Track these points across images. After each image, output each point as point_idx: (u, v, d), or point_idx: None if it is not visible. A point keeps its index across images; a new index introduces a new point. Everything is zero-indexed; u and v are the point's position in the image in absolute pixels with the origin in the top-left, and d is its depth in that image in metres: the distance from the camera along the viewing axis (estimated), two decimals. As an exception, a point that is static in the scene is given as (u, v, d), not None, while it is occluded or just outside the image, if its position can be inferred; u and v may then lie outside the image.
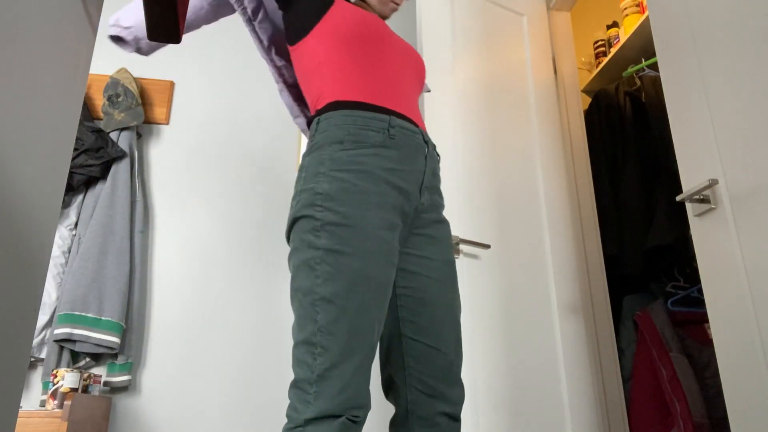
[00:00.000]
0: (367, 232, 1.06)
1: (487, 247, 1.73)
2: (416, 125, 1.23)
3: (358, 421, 1.02)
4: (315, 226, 1.07)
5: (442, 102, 1.86)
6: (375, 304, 1.05)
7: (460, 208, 1.77)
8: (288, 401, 1.51)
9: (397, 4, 1.39)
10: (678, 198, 1.42)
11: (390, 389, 1.18)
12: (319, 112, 1.21)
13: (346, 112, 1.16)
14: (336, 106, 1.19)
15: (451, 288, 1.20)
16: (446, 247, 1.22)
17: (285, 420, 2.10)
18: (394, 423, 1.16)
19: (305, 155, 1.18)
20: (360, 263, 1.04)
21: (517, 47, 2.14)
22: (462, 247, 1.73)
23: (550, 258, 1.87)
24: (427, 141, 1.24)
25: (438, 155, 1.28)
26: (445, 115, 1.85)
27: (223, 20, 2.63)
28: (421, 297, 1.16)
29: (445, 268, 1.19)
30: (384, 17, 1.40)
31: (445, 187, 1.75)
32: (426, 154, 1.21)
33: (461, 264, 1.72)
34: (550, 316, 1.79)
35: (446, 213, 1.69)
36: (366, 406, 1.03)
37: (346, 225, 1.06)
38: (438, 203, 1.25)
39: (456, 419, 1.13)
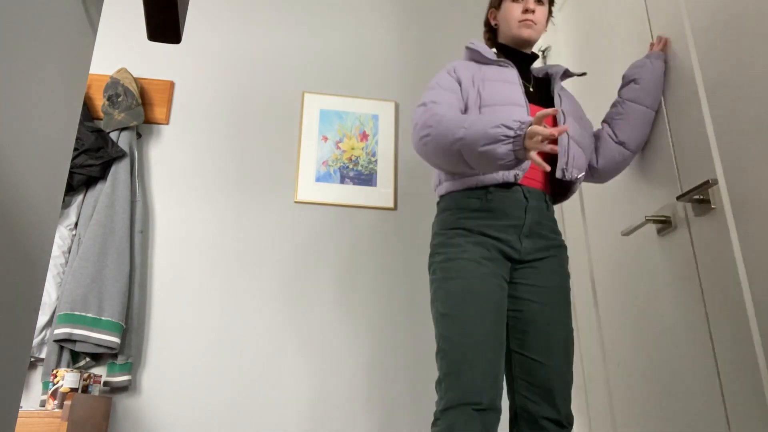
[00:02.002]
0: (464, 264, 1.37)
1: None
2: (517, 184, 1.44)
3: (482, 409, 1.24)
4: (433, 267, 1.43)
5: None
6: (479, 311, 1.31)
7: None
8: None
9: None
10: (678, 198, 1.42)
11: (508, 393, 1.42)
12: None
13: None
14: None
15: (557, 309, 1.39)
16: (552, 275, 1.42)
17: (283, 420, 2.11)
18: (511, 422, 1.40)
19: None
20: (462, 283, 1.34)
21: None
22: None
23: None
24: (527, 196, 1.43)
25: (548, 204, 1.47)
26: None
27: (222, 20, 2.63)
28: (526, 318, 1.39)
29: (550, 293, 1.40)
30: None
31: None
32: (526, 207, 1.42)
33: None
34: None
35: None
36: (485, 396, 1.25)
37: (449, 259, 1.39)
38: (542, 245, 1.43)
39: (561, 425, 1.32)
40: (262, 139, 2.47)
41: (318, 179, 2.43)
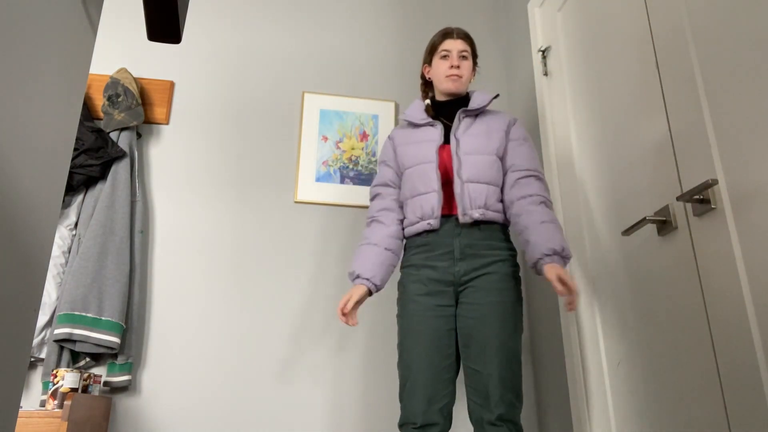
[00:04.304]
0: (405, 303, 1.68)
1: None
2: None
3: (418, 427, 1.53)
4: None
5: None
6: (415, 346, 1.60)
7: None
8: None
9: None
10: (678, 198, 1.42)
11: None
12: None
13: None
14: None
15: (491, 321, 1.57)
16: (489, 292, 1.60)
17: (282, 419, 2.11)
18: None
19: None
20: (403, 321, 1.67)
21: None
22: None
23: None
24: (458, 225, 1.67)
25: (481, 231, 1.67)
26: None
27: (222, 20, 2.63)
28: (467, 333, 1.59)
29: (486, 308, 1.59)
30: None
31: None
32: (457, 235, 1.67)
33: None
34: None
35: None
36: (419, 417, 1.53)
37: (399, 299, 1.72)
38: (478, 264, 1.64)
39: (493, 424, 1.50)
40: (262, 139, 2.47)
41: (318, 179, 2.43)
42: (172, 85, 2.47)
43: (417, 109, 1.86)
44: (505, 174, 1.76)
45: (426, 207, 1.70)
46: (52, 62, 0.66)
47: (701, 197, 1.40)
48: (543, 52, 2.39)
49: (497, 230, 1.71)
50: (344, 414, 2.15)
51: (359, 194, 2.43)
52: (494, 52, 2.83)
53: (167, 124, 2.42)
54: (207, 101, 2.49)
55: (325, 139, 2.50)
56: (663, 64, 1.61)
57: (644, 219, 1.56)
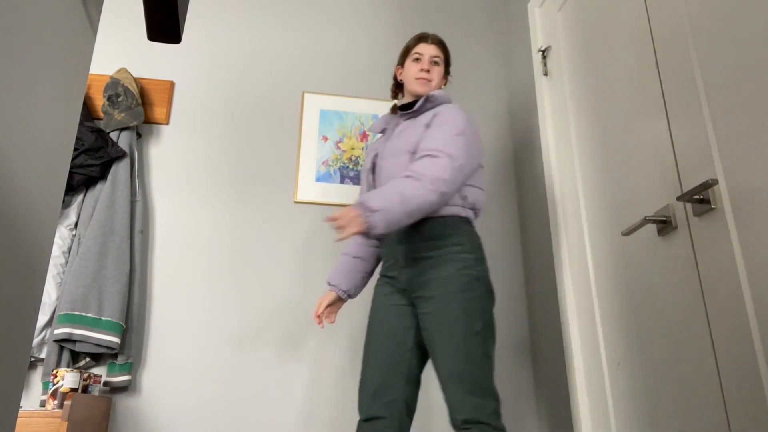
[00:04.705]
0: (373, 299, 1.74)
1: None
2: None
3: (363, 420, 1.57)
4: None
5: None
6: (370, 342, 1.66)
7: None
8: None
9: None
10: (678, 198, 1.42)
11: None
12: None
13: None
14: None
15: (440, 331, 1.52)
16: (433, 300, 1.55)
17: (282, 419, 2.11)
18: None
19: None
20: (369, 318, 1.72)
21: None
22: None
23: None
24: (397, 235, 1.68)
25: (419, 231, 1.62)
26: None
27: (222, 20, 2.63)
28: (426, 343, 1.57)
29: (433, 316, 1.55)
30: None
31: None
32: (397, 244, 1.67)
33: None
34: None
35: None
36: (364, 411, 1.57)
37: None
38: (420, 269, 1.61)
39: (462, 428, 1.48)
40: (263, 139, 2.47)
41: (318, 179, 2.43)
42: (172, 85, 2.47)
43: (379, 121, 1.91)
44: None
45: None
46: (52, 62, 0.66)
47: (701, 197, 1.40)
48: (543, 52, 2.39)
49: (439, 225, 1.62)
50: (346, 413, 2.15)
51: (359, 194, 2.43)
52: (494, 52, 2.83)
53: (167, 124, 2.42)
54: (207, 101, 2.49)
55: (325, 139, 2.50)
56: (663, 64, 1.61)
57: (644, 219, 1.56)
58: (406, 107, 1.81)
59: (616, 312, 1.78)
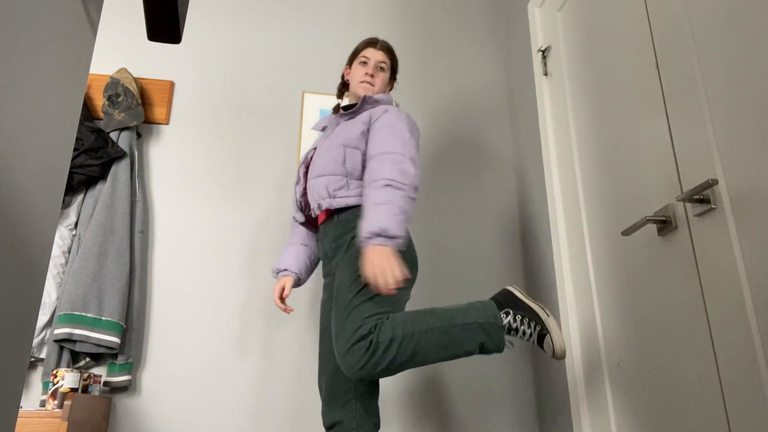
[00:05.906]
0: None
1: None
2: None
3: (332, 427, 1.58)
4: None
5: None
6: (320, 349, 1.70)
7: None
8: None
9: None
10: (677, 198, 1.42)
11: None
12: None
13: None
14: None
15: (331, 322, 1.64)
16: (335, 288, 1.59)
17: (282, 419, 2.10)
18: None
19: None
20: None
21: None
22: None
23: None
24: (321, 230, 1.75)
25: (334, 222, 1.69)
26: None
27: (222, 20, 2.63)
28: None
29: (329, 304, 1.72)
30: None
31: None
32: (321, 238, 1.75)
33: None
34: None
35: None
36: (323, 422, 1.60)
37: None
38: (334, 262, 1.68)
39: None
40: (263, 139, 2.47)
41: (318, 179, 2.43)
42: (172, 85, 2.47)
43: (322, 120, 1.95)
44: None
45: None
46: (52, 62, 0.66)
47: (701, 197, 1.40)
48: (543, 52, 2.39)
49: (360, 213, 1.65)
50: (344, 414, 2.15)
51: (359, 194, 2.43)
52: (494, 52, 2.83)
53: (167, 124, 2.42)
54: (207, 101, 2.49)
55: (325, 139, 2.50)
56: (663, 64, 1.61)
57: (644, 219, 1.56)
58: (347, 108, 1.84)
59: (616, 312, 1.78)
